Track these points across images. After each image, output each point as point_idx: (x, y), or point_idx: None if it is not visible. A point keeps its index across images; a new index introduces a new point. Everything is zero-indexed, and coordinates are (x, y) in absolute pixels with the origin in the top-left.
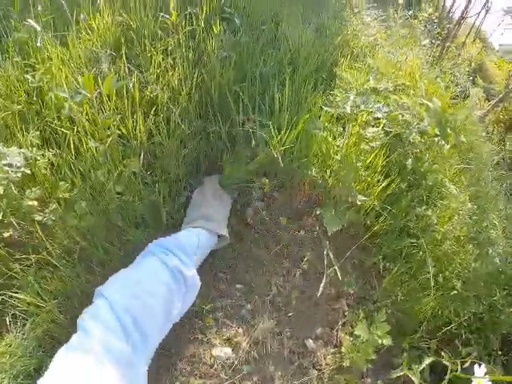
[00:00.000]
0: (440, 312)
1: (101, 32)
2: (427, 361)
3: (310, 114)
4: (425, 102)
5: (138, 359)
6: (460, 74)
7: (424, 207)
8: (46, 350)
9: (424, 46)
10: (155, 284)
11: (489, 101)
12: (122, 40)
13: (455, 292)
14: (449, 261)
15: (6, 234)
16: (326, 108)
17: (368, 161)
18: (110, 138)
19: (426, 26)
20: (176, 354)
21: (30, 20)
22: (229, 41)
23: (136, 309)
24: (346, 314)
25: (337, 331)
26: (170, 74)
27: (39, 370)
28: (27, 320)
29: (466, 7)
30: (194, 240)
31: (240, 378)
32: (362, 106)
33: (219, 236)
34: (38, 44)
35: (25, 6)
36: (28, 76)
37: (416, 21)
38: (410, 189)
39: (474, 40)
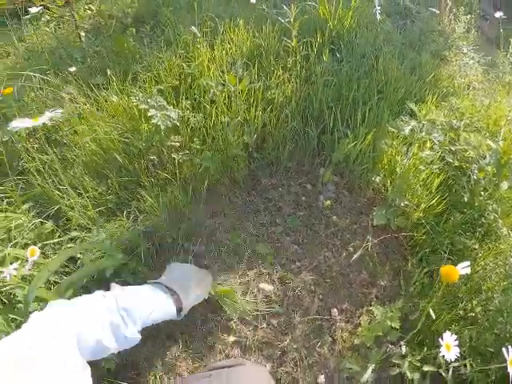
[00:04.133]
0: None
1: (239, 44)
2: (428, 368)
3: (381, 130)
4: (488, 141)
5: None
6: None
7: (473, 240)
8: (144, 240)
9: None
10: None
11: None
12: (254, 53)
13: (473, 315)
14: (479, 290)
15: (151, 157)
16: (390, 127)
17: (421, 178)
18: (237, 119)
19: None
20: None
21: (193, 27)
22: (333, 67)
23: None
24: (372, 302)
25: (360, 314)
26: (286, 85)
27: (135, 251)
28: (138, 218)
29: None
30: (151, 301)
31: (270, 313)
32: (423, 133)
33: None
34: (198, 45)
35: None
36: (184, 64)
37: None
38: (463, 220)
39: None
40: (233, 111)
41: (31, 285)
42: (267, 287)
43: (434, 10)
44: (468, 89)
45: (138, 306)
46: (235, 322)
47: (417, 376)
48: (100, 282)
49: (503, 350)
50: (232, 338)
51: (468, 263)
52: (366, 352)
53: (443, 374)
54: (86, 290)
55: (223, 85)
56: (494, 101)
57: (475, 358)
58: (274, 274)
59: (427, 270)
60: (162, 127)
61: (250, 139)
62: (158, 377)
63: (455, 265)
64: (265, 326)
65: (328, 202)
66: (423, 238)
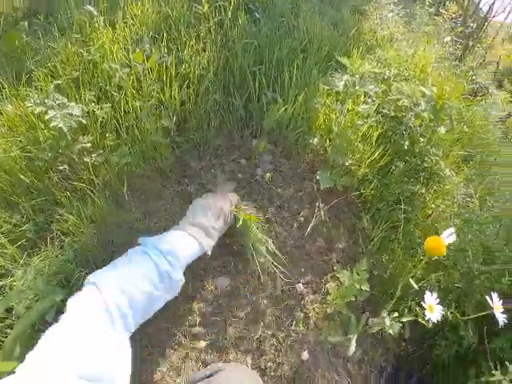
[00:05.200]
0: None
1: (143, 19)
2: (406, 319)
3: (311, 90)
4: (422, 88)
5: (122, 336)
6: (483, 74)
7: (418, 186)
8: (78, 265)
9: (446, 43)
10: (144, 283)
11: None
12: (162, 26)
13: (436, 258)
14: (436, 233)
15: (60, 167)
16: (322, 85)
17: (361, 134)
18: (151, 102)
19: (450, 23)
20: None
21: (87, 6)
22: (251, 30)
23: (123, 302)
24: (334, 268)
25: (325, 282)
26: (201, 55)
27: (71, 280)
28: (64, 241)
29: (493, 4)
30: (184, 248)
31: (236, 306)
32: (357, 87)
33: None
34: (96, 25)
35: None
36: (82, 50)
37: (440, 18)
38: (407, 168)
39: (503, 41)
40: (144, 94)
41: None
42: (223, 282)
43: None
44: (391, 41)
45: (177, 248)
46: (200, 327)
47: (396, 328)
48: (47, 324)
49: (487, 298)
50: (203, 344)
51: (452, 230)
52: (342, 318)
53: (423, 322)
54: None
55: (130, 66)
56: (417, 50)
57: (445, 298)
58: (228, 266)
59: (385, 225)
60: (65, 129)
61: (169, 122)
62: None
63: (410, 214)
64: (233, 320)
65: (268, 174)
66: (372, 193)
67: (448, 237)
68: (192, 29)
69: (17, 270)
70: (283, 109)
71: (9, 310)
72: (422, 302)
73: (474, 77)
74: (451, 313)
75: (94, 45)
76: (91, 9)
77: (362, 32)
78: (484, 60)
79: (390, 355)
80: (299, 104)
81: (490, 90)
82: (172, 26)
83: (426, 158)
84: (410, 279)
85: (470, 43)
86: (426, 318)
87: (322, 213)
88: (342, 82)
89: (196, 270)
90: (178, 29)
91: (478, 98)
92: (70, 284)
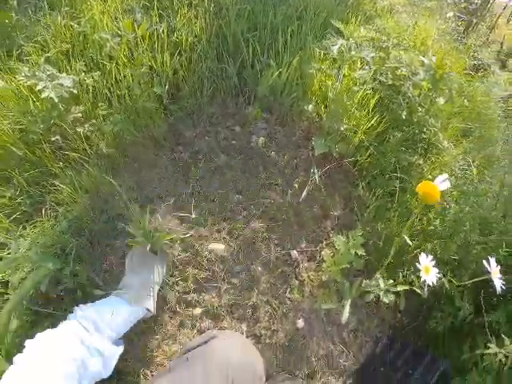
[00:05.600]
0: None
1: None
2: (401, 288)
3: (307, 55)
4: (421, 57)
5: None
6: (486, 53)
7: (416, 156)
8: (72, 235)
9: (448, 18)
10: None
11: None
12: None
13: (433, 228)
14: (432, 205)
15: (53, 138)
16: (317, 49)
17: (357, 100)
18: (143, 69)
19: None
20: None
21: None
22: None
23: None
24: (330, 235)
25: (320, 249)
26: (194, 22)
27: (66, 250)
28: (58, 212)
29: None
30: (113, 313)
31: (230, 274)
32: (353, 52)
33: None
34: None
35: None
36: (72, 23)
37: None
38: (404, 137)
39: (508, 21)
40: (136, 62)
41: None
42: (218, 247)
43: None
44: (391, 12)
45: (103, 319)
46: (194, 294)
47: (392, 298)
48: (46, 296)
49: (484, 262)
50: (198, 310)
51: (446, 176)
52: (337, 286)
53: (418, 291)
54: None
55: (120, 36)
56: (418, 22)
57: (443, 269)
58: (222, 231)
59: (381, 192)
60: (57, 99)
61: (161, 89)
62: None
63: (406, 184)
64: (228, 287)
65: (261, 139)
66: (368, 160)
67: (441, 183)
68: None
69: (11, 243)
70: (277, 73)
71: (6, 284)
72: (417, 264)
73: (476, 54)
74: (449, 280)
75: (85, 16)
76: None
77: (362, 2)
78: (487, 39)
79: (385, 326)
80: (293, 69)
81: (492, 69)
82: None
83: (425, 129)
84: (405, 236)
85: (474, 20)
86: (422, 280)
87: (317, 179)
88: (337, 47)
89: (190, 238)
90: None
91: (479, 74)
92: (65, 253)
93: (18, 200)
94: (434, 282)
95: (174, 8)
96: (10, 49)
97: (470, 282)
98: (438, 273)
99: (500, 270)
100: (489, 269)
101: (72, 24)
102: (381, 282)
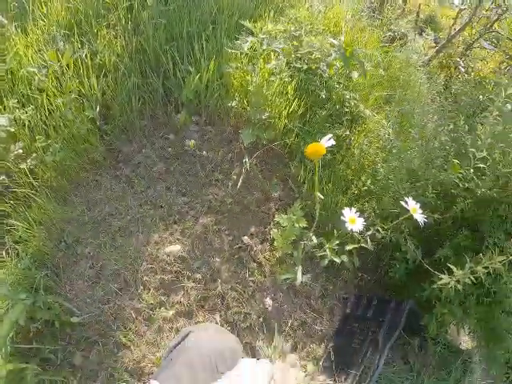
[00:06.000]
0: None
1: (53, 18)
2: (350, 246)
3: (223, 56)
4: (331, 39)
5: None
6: (403, 24)
7: (343, 129)
8: (37, 268)
9: None
10: None
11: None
12: (73, 21)
13: (366, 188)
14: (363, 169)
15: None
16: (229, 49)
17: (274, 89)
18: (72, 95)
19: None
20: (136, 259)
21: None
22: (159, 10)
23: None
24: (275, 215)
25: (269, 230)
26: (114, 43)
27: (35, 287)
28: (18, 250)
29: None
30: None
31: (192, 270)
32: (264, 46)
33: None
34: (8, 34)
35: None
36: None
37: None
38: (328, 114)
39: None
40: (65, 90)
41: None
42: (174, 248)
43: None
44: (305, 2)
45: None
46: (163, 297)
47: (345, 258)
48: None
49: (402, 203)
50: (170, 312)
51: (330, 135)
52: (291, 259)
53: (365, 246)
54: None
55: (47, 67)
56: (330, 7)
57: (385, 223)
58: (175, 233)
59: (309, 168)
60: None
61: (92, 112)
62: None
63: (337, 155)
64: (193, 284)
65: (192, 141)
66: (296, 141)
67: (327, 141)
68: (102, 19)
69: None
70: (197, 78)
71: None
72: (342, 217)
73: (392, 26)
74: (381, 226)
75: (9, 53)
76: (0, 18)
77: None
78: (404, 10)
79: (349, 287)
80: (212, 71)
81: (410, 38)
82: (82, 20)
83: (346, 103)
84: (318, 193)
85: None
86: (349, 229)
87: (248, 166)
88: (247, 44)
89: (147, 245)
90: (89, 21)
91: (395, 44)
92: (34, 288)
93: None
94: (361, 229)
95: (93, 31)
96: None
97: (396, 222)
98: (375, 225)
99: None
100: (407, 207)
101: None
102: (314, 239)
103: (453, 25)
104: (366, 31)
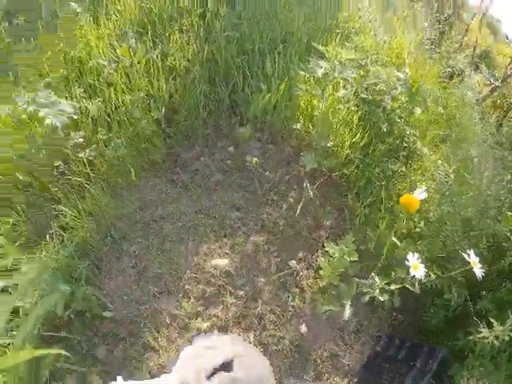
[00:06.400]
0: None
1: (126, 15)
2: (394, 286)
3: (293, 78)
4: (397, 73)
5: None
6: (461, 58)
7: (399, 164)
8: (79, 258)
9: (422, 29)
10: None
11: None
12: (146, 21)
13: (419, 230)
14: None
15: (55, 163)
16: (301, 72)
17: (341, 117)
18: (141, 94)
19: (427, 9)
20: (182, 266)
21: (72, 3)
22: (231, 22)
23: None
24: (324, 244)
25: (317, 257)
26: (186, 48)
27: (75, 276)
28: (63, 236)
29: None
30: None
31: (235, 286)
32: (336, 74)
33: None
34: (81, 23)
35: None
36: (67, 49)
37: (417, 3)
38: (387, 148)
39: (480, 26)
40: (133, 88)
41: None
42: (221, 262)
43: None
44: (369, 29)
45: None
46: (202, 308)
47: (387, 296)
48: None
49: (464, 255)
50: (206, 324)
51: (423, 188)
52: (335, 290)
53: (411, 288)
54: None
55: (117, 62)
56: (394, 37)
57: (431, 267)
58: (224, 247)
59: (369, 201)
60: (59, 125)
61: (159, 114)
62: None
63: (391, 191)
64: (234, 300)
65: (255, 159)
66: (355, 172)
67: (420, 194)
68: (175, 23)
69: (19, 269)
70: (267, 97)
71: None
72: (406, 262)
73: (450, 61)
74: (436, 276)
75: (80, 42)
76: (75, 6)
77: (341, 21)
78: (461, 44)
79: (383, 325)
80: (282, 92)
81: (466, 73)
82: (156, 22)
83: (405, 139)
84: (393, 237)
85: (447, 28)
86: (412, 275)
87: (311, 193)
88: (322, 70)
89: (195, 255)
90: (163, 23)
91: (454, 81)
92: (73, 277)
93: (22, 226)
94: (423, 277)
95: (165, 34)
96: (5, 74)
97: (453, 273)
98: (426, 269)
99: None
100: (468, 259)
101: (67, 50)
102: (377, 279)
103: (509, 64)
104: (427, 64)
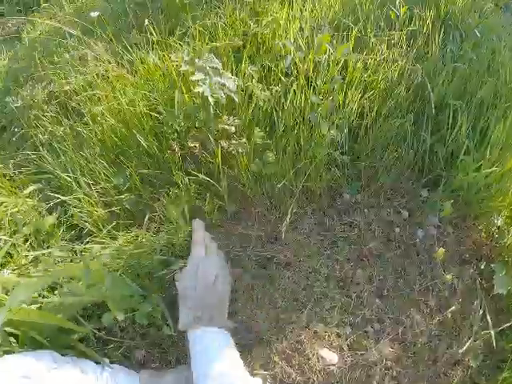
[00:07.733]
0: None
1: (326, 6)
2: None
3: None
4: None
5: None
6: None
7: None
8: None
9: None
10: None
11: None
12: (347, 18)
13: None
14: None
15: (191, 144)
16: None
17: None
18: (332, 102)
19: None
20: (282, 330)
21: None
22: (453, 53)
23: None
24: None
25: None
26: (392, 66)
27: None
28: (159, 228)
29: None
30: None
31: None
32: None
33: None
34: None
35: None
36: (250, 22)
37: None
38: None
39: None
40: (319, 90)
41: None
42: (329, 356)
43: None
44: None
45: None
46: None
47: None
48: None
49: None
50: None
51: None
52: None
53: None
54: None
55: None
56: None
57: None
58: (342, 337)
59: None
60: (211, 100)
61: (339, 135)
62: None
63: None
64: None
65: (441, 250)
66: None
67: None
68: (381, 33)
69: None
70: (489, 170)
71: None
72: None
73: None
74: None
75: (267, 17)
76: None
77: None
78: None
79: None
80: (504, 170)
81: None
82: (359, 23)
83: None
84: None
85: None
86: None
87: (493, 334)
88: None
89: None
90: (366, 28)
91: None
92: (148, 279)
93: (123, 194)
94: None
95: (369, 42)
96: (173, 28)
97: None
98: None
99: None
100: None
101: (249, 22)
102: None
103: None
104: None
